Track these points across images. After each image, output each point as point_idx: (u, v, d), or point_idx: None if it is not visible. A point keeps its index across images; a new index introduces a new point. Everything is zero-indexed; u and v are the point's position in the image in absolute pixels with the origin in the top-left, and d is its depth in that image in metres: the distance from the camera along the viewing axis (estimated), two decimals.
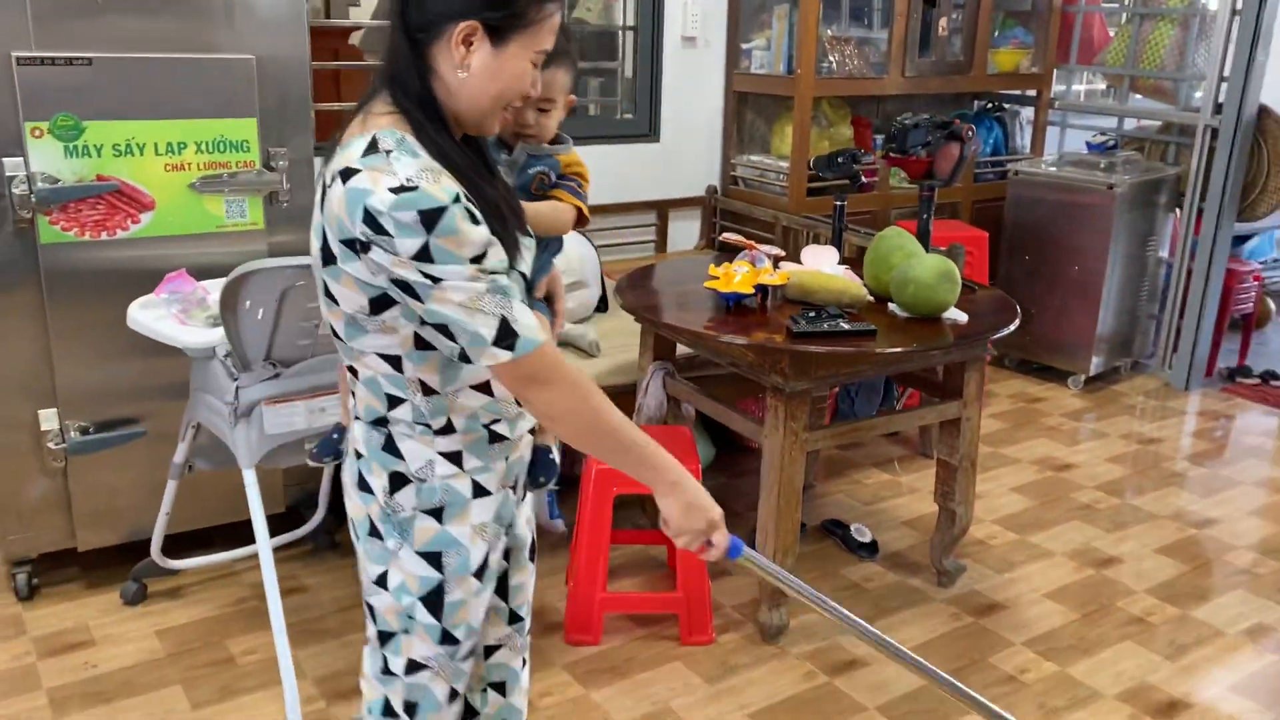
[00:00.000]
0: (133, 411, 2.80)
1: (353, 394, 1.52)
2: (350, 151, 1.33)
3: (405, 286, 1.31)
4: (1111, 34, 5.17)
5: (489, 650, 1.73)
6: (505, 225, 1.40)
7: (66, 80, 2.51)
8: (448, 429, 1.48)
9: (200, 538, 2.98)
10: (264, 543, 2.33)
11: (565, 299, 3.37)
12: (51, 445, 2.71)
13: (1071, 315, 4.59)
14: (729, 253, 3.05)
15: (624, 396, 3.09)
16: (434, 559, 1.51)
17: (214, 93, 2.70)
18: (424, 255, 1.28)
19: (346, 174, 1.31)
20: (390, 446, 1.48)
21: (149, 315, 2.42)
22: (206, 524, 2.99)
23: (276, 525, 2.87)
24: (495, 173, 1.51)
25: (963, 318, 2.71)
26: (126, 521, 2.88)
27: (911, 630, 2.84)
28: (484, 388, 1.48)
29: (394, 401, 1.46)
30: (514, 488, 1.60)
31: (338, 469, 2.05)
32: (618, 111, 4.55)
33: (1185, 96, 4.87)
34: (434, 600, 1.52)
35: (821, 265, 2.90)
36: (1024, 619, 2.91)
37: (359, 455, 1.52)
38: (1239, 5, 4.35)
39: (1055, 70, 5.12)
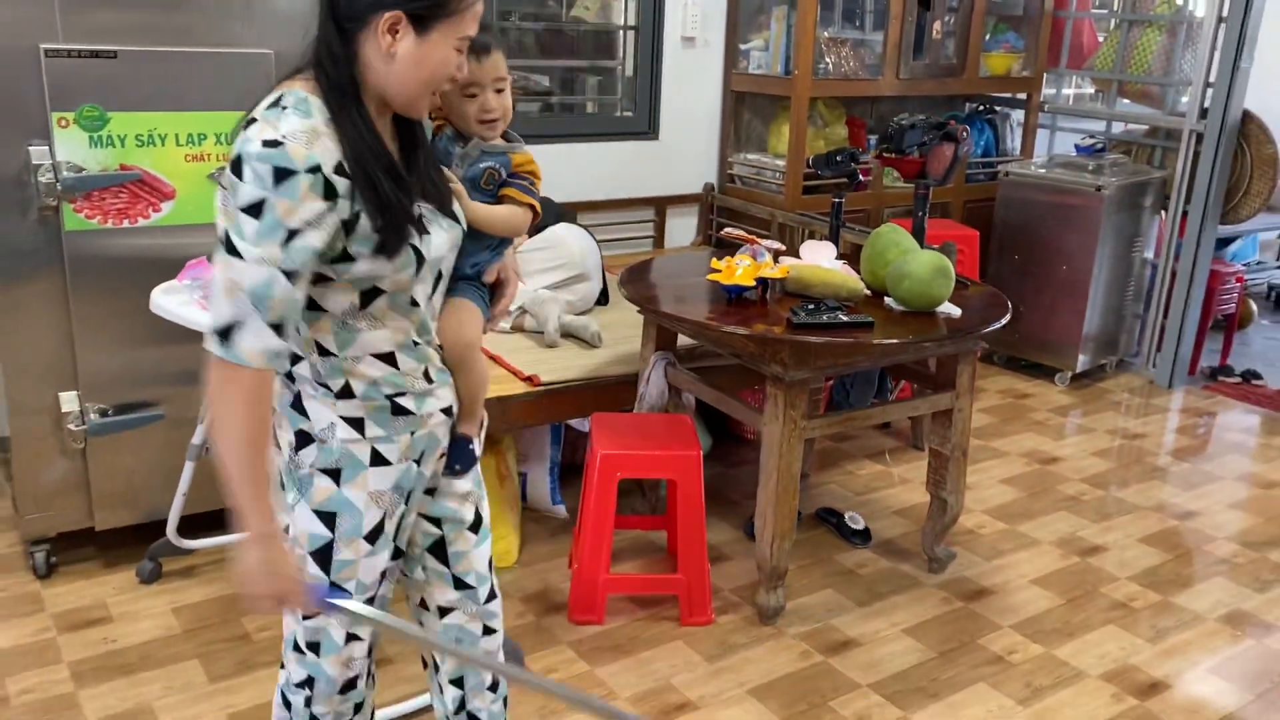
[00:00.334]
0: (151, 395, 2.88)
1: None
2: (259, 105, 1.43)
3: (221, 236, 1.39)
4: (1101, 39, 5.28)
5: (443, 611, 1.82)
6: (396, 198, 1.46)
7: (92, 72, 2.59)
8: (346, 393, 1.55)
9: (212, 519, 3.05)
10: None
11: (553, 270, 3.48)
12: (72, 427, 2.78)
13: (1059, 313, 4.70)
14: (725, 248, 3.14)
15: (625, 386, 3.19)
16: (327, 518, 1.60)
17: (233, 86, 2.78)
18: (254, 211, 1.36)
19: (248, 123, 1.41)
20: (298, 405, 1.57)
21: (173, 300, 2.50)
22: (218, 506, 3.05)
23: None
24: (423, 152, 1.59)
25: (956, 312, 2.81)
26: (143, 502, 2.95)
27: (904, 614, 2.94)
28: (388, 358, 1.56)
29: (295, 358, 1.55)
30: (419, 461, 1.65)
31: None
32: (618, 109, 4.64)
33: (1171, 101, 4.99)
34: (323, 556, 1.61)
35: (820, 260, 3.00)
36: (1012, 603, 3.02)
37: (274, 410, 1.59)
38: (1224, 13, 4.47)
39: (1045, 74, 5.24)
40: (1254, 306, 5.87)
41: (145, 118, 2.68)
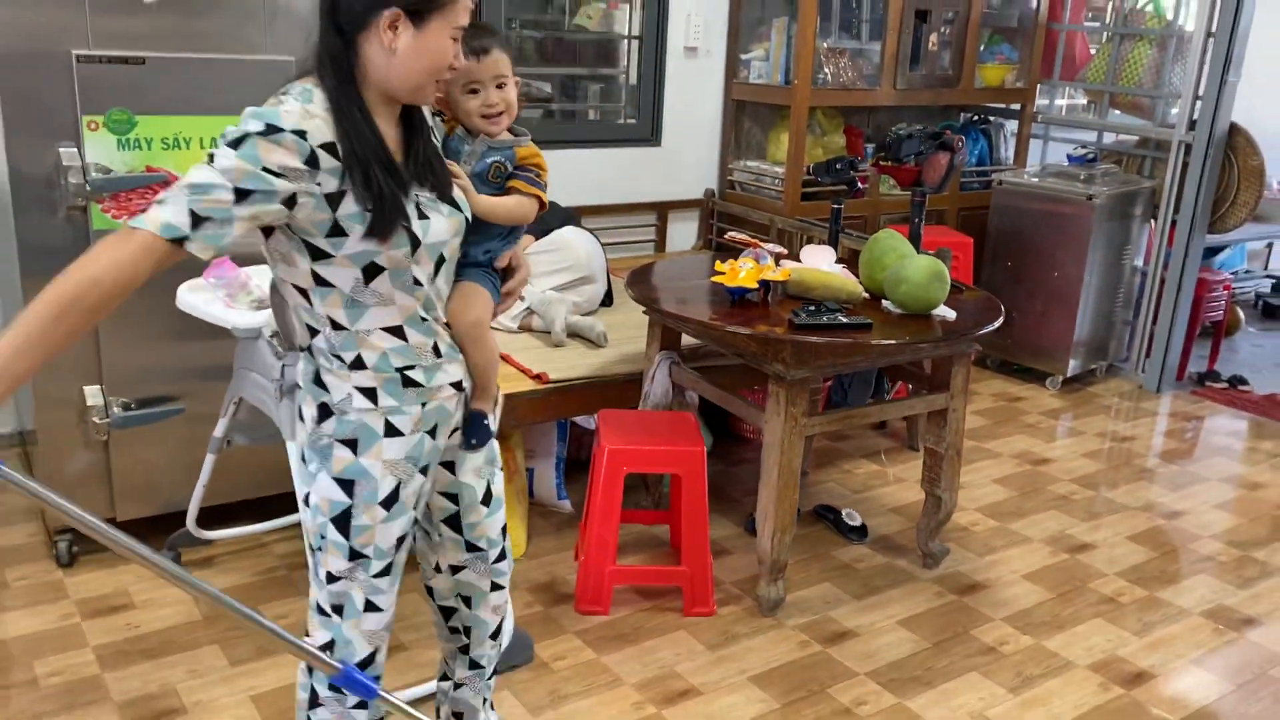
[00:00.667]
0: (172, 390, 2.97)
1: None
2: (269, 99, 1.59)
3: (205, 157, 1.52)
4: (1093, 52, 5.41)
5: (454, 569, 2.00)
6: (386, 185, 1.59)
7: (121, 78, 2.68)
8: (359, 364, 1.69)
9: (228, 512, 3.15)
10: None
11: (560, 272, 3.59)
12: (96, 420, 2.87)
13: (1051, 319, 4.81)
14: (729, 251, 3.24)
15: (630, 384, 3.29)
16: (346, 485, 1.72)
17: (255, 91, 2.83)
18: (236, 143, 1.51)
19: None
20: (319, 379, 1.71)
21: (199, 298, 2.59)
22: (234, 498, 3.15)
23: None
24: (424, 143, 1.71)
25: (951, 315, 2.92)
26: (163, 494, 3.04)
27: (899, 606, 3.04)
28: (396, 332, 1.70)
29: (313, 332, 1.70)
30: (433, 433, 1.78)
31: None
32: (621, 116, 4.75)
33: (1161, 113, 5.12)
34: (342, 522, 1.74)
35: (820, 264, 3.10)
36: (1003, 597, 3.12)
37: (298, 387, 1.75)
38: (1213, 29, 4.59)
39: (1039, 85, 5.36)
40: (1241, 314, 6.00)
41: (170, 121, 2.77)
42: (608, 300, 3.86)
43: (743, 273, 2.92)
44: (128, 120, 2.71)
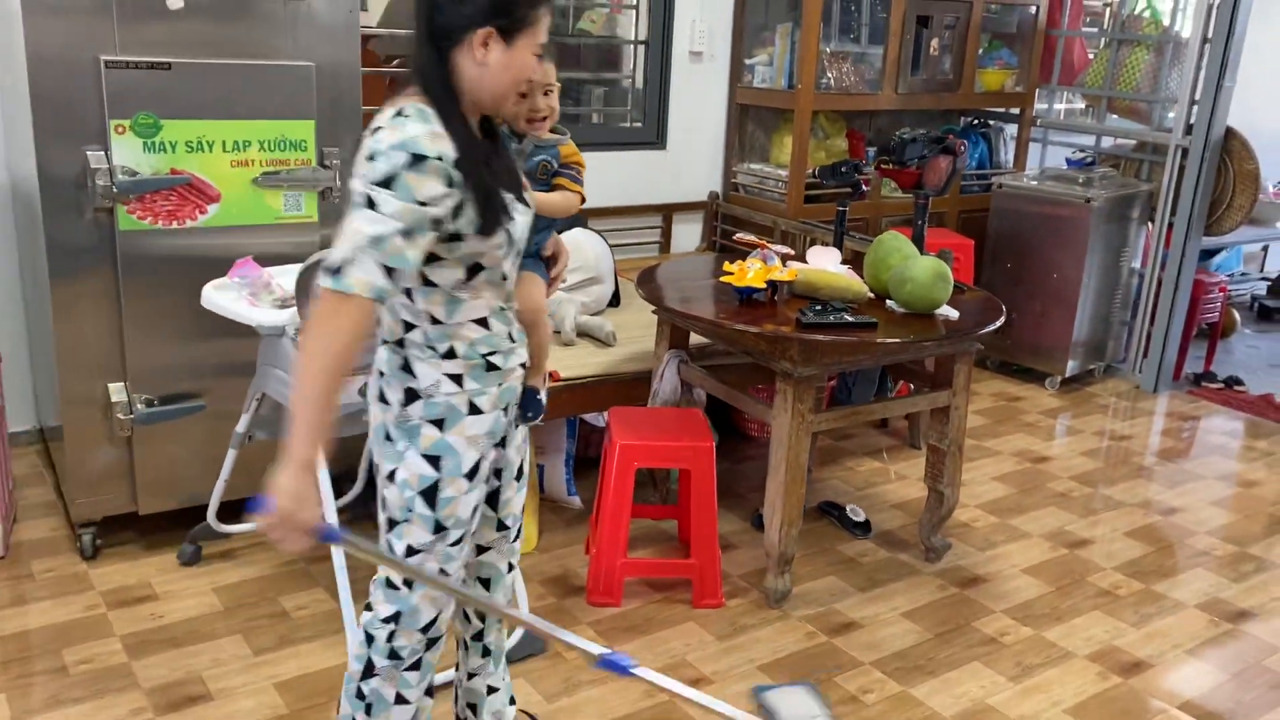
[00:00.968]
0: (194, 387, 3.04)
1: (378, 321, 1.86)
2: (382, 116, 1.69)
3: (360, 200, 1.63)
4: (1091, 57, 5.49)
5: (480, 549, 2.11)
6: (494, 187, 1.74)
7: (147, 82, 2.76)
8: (450, 354, 1.82)
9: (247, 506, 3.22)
10: (329, 499, 2.57)
11: (570, 273, 3.68)
12: (120, 416, 2.94)
13: (1049, 320, 4.89)
14: (731, 253, 3.32)
15: (638, 382, 3.37)
16: (434, 461, 1.84)
17: (277, 96, 2.95)
18: (387, 183, 1.61)
19: (375, 130, 1.67)
20: (406, 368, 1.83)
21: (225, 297, 2.67)
22: (255, 493, 3.21)
23: None
24: (501, 149, 1.87)
25: (954, 314, 2.99)
26: (184, 488, 3.12)
27: (903, 599, 3.12)
28: (483, 323, 1.84)
29: (409, 327, 1.82)
30: (505, 410, 1.92)
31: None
32: (627, 120, 4.82)
33: (1158, 118, 5.20)
34: (430, 494, 1.86)
35: (825, 264, 3.18)
36: (1004, 590, 3.20)
37: (381, 374, 1.86)
38: (1209, 34, 4.67)
39: (1038, 90, 5.44)
40: (1237, 316, 6.08)
41: (195, 125, 2.84)
42: (614, 301, 3.93)
43: (751, 273, 3.00)
44: (154, 124, 2.79)
